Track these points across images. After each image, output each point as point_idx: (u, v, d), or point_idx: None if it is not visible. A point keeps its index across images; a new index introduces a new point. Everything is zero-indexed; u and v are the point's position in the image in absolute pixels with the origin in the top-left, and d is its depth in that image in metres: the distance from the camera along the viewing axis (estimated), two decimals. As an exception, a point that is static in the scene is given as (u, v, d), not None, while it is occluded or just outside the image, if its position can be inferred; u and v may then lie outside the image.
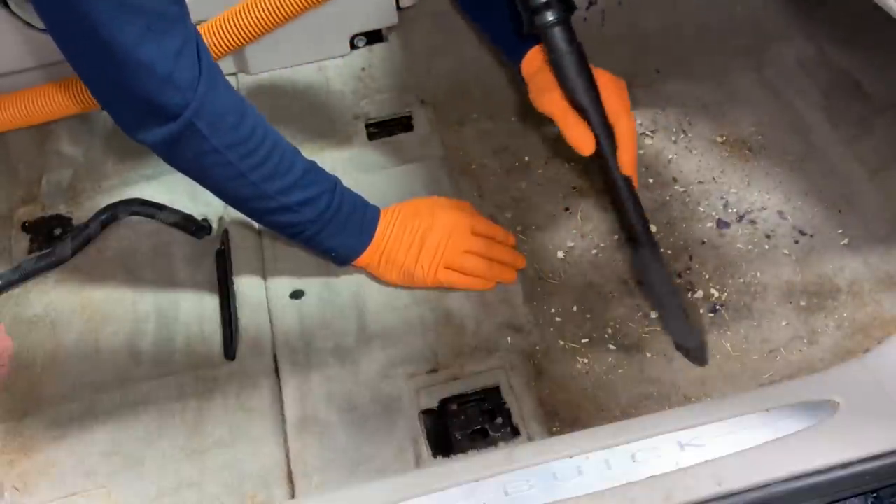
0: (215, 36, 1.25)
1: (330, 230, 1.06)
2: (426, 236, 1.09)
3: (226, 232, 1.23)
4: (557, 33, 1.04)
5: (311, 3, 1.23)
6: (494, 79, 1.43)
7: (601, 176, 1.12)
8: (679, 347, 1.10)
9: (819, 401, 0.87)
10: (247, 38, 1.26)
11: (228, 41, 1.25)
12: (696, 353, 1.09)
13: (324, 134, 1.35)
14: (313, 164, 1.05)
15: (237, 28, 1.24)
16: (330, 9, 1.35)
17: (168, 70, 0.86)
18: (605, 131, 1.07)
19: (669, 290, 1.11)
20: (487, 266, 1.12)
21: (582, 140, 1.07)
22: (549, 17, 1.03)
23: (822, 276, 1.16)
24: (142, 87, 0.87)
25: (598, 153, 1.07)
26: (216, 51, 1.25)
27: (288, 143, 1.02)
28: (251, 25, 1.24)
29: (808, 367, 1.07)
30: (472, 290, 1.13)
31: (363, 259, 1.10)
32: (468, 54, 1.44)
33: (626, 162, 1.07)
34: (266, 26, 1.25)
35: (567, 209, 1.27)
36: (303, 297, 1.17)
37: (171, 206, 1.26)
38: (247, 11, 1.23)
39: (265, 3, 1.23)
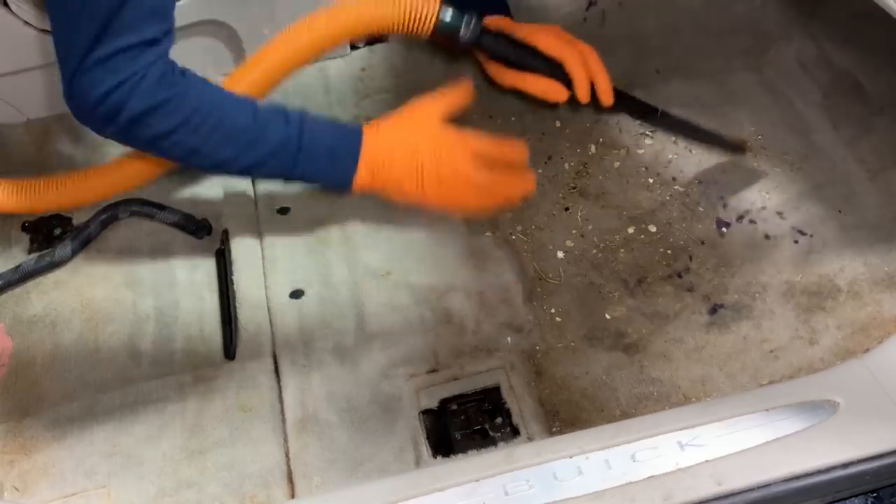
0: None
1: (308, 170, 1.02)
2: (423, 167, 1.03)
3: (226, 232, 1.23)
4: (464, 34, 1.09)
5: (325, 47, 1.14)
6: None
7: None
8: (725, 151, 1.29)
9: (819, 401, 0.87)
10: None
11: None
12: (734, 144, 1.29)
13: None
14: (265, 113, 1.01)
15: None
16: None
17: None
18: (561, 74, 1.10)
19: (684, 123, 1.27)
20: (493, 191, 1.07)
21: (549, 91, 1.10)
22: (451, 19, 1.08)
23: (822, 276, 1.16)
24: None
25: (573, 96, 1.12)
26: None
27: (233, 103, 1.00)
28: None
29: (808, 367, 1.07)
30: (479, 209, 1.08)
31: (361, 187, 1.05)
32: (468, 54, 1.44)
33: (582, 90, 1.10)
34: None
35: (567, 209, 1.27)
36: (302, 297, 1.17)
37: (171, 206, 1.26)
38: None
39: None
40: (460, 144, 1.04)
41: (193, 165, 1.02)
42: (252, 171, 1.02)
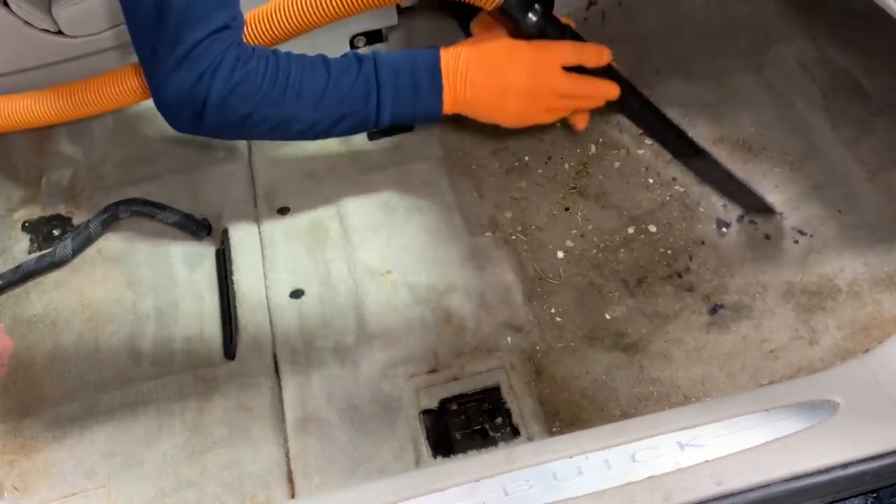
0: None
1: (395, 108, 1.02)
2: (509, 80, 1.03)
3: (226, 232, 1.23)
4: (530, 22, 1.04)
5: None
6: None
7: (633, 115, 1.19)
8: (748, 210, 1.23)
9: (819, 401, 0.87)
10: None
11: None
12: (764, 207, 1.22)
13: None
14: (338, 64, 1.00)
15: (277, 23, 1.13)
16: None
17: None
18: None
19: (720, 169, 1.22)
20: (577, 100, 1.08)
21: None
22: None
23: (822, 276, 1.16)
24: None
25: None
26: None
27: (305, 64, 0.99)
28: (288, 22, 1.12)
29: (808, 367, 1.07)
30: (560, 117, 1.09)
31: (448, 111, 1.04)
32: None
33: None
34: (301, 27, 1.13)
35: (567, 209, 1.27)
36: (302, 297, 1.17)
37: (171, 206, 1.26)
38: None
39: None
40: (544, 53, 1.04)
41: (290, 138, 1.03)
42: (343, 125, 1.02)
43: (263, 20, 1.08)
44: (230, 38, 0.94)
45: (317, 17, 1.08)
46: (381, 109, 1.01)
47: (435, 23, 1.45)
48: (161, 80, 0.93)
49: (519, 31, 1.05)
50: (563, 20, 1.09)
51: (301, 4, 1.07)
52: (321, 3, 1.06)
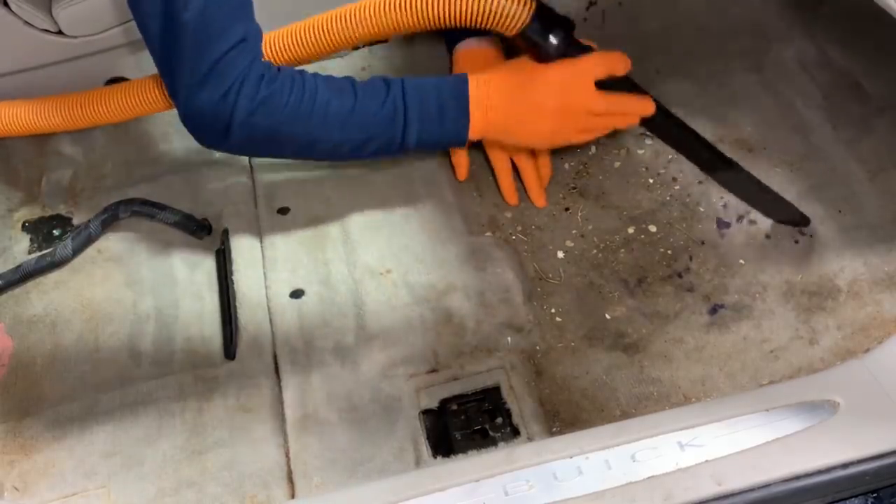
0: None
1: (421, 133, 1.02)
2: (542, 101, 1.03)
3: (226, 232, 1.23)
4: (551, 45, 1.05)
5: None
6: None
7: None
8: (781, 221, 1.20)
9: (819, 401, 0.87)
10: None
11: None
12: (797, 218, 1.19)
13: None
14: (366, 87, 1.00)
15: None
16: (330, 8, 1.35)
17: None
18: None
19: (751, 179, 1.21)
20: (612, 118, 1.08)
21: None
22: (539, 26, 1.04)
23: (822, 276, 1.16)
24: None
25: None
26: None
27: (332, 85, 0.99)
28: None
29: (808, 367, 1.07)
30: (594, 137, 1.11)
31: (475, 136, 1.05)
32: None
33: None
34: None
35: (567, 209, 1.27)
36: (302, 297, 1.17)
37: (171, 206, 1.26)
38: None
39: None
40: (574, 72, 1.03)
41: (315, 158, 1.04)
42: (368, 149, 1.02)
43: (285, 41, 1.07)
44: (251, 51, 0.94)
45: (346, 37, 1.05)
46: (407, 134, 1.02)
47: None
48: (186, 97, 0.93)
49: (540, 56, 1.05)
50: (585, 41, 1.08)
51: (328, 25, 1.05)
52: (354, 20, 1.03)
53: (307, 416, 1.06)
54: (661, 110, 1.14)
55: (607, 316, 1.15)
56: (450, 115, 1.03)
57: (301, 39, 1.06)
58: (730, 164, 1.22)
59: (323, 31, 1.05)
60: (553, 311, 1.16)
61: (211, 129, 0.96)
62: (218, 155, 1.35)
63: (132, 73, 1.40)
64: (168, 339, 1.15)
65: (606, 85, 1.08)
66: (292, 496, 1.00)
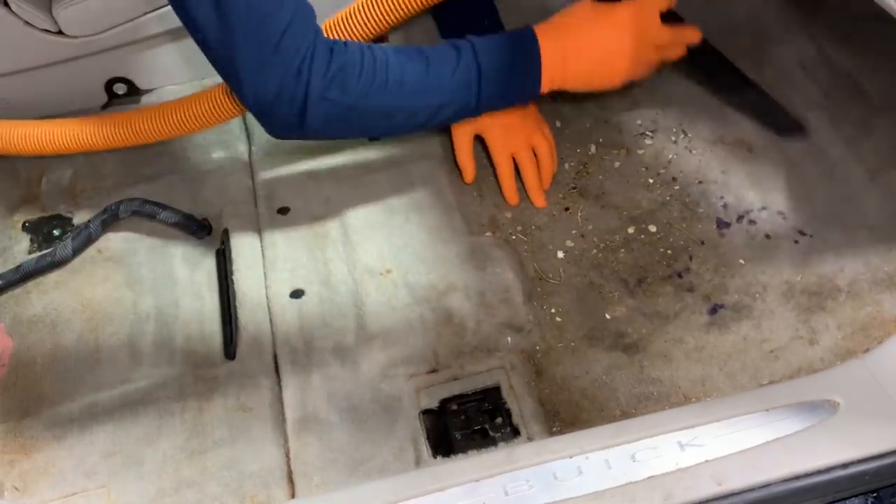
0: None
1: (495, 91, 1.01)
2: (614, 54, 1.02)
3: (226, 231, 1.23)
4: None
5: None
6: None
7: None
8: (780, 132, 1.27)
9: (819, 401, 0.87)
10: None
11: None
12: (794, 126, 1.25)
13: (324, 134, 1.35)
14: (434, 51, 0.98)
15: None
16: (330, 8, 1.35)
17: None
18: None
19: (756, 91, 1.27)
20: (670, 50, 1.10)
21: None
22: None
23: (822, 276, 1.16)
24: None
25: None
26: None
27: (401, 53, 0.97)
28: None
29: (808, 367, 1.07)
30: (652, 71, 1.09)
31: (549, 88, 1.04)
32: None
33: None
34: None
35: (567, 209, 1.27)
36: (302, 297, 1.17)
37: (171, 206, 1.26)
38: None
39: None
40: (641, 6, 1.03)
41: (394, 130, 1.04)
42: (444, 113, 1.01)
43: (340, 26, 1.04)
44: (310, 25, 0.90)
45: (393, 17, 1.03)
46: (483, 95, 1.00)
47: (434, 22, 1.45)
48: (254, 86, 0.89)
49: None
50: None
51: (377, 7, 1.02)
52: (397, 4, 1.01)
53: (307, 415, 1.06)
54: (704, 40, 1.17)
55: (607, 316, 1.15)
56: (522, 74, 1.01)
57: (355, 22, 1.03)
58: (751, 84, 1.29)
59: (372, 11, 1.02)
60: (553, 311, 1.16)
61: (286, 113, 0.92)
62: (218, 154, 1.35)
63: (132, 74, 1.41)
64: (168, 339, 1.15)
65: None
66: (292, 496, 1.00)
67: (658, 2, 1.07)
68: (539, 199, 1.24)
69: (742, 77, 1.28)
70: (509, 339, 1.11)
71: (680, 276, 1.18)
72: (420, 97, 0.98)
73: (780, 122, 1.30)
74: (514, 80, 1.02)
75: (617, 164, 1.31)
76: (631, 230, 1.23)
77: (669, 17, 1.11)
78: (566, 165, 1.32)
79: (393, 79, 0.95)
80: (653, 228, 1.23)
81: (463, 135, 1.23)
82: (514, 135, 1.22)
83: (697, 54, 1.21)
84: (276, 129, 0.96)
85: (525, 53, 1.01)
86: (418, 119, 1.01)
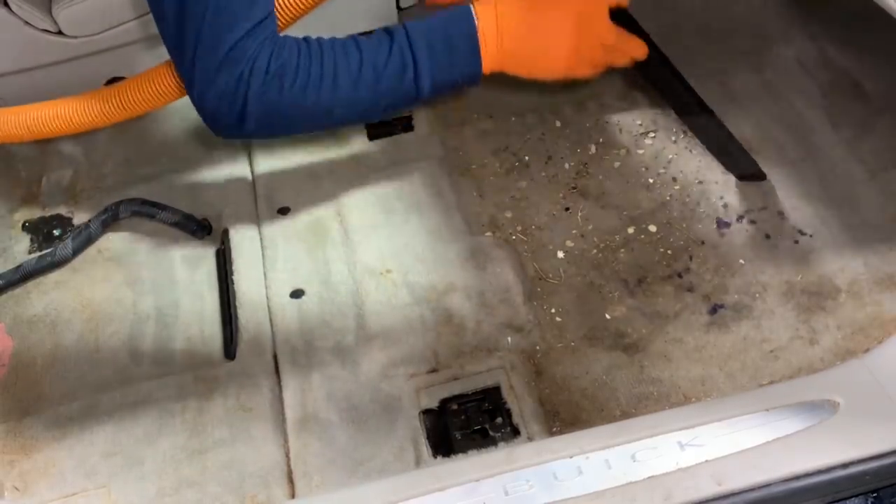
0: None
1: (434, 72, 0.97)
2: (554, 42, 0.99)
3: (226, 232, 1.23)
4: None
5: None
6: (493, 78, 1.43)
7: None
8: (741, 177, 1.25)
9: (819, 401, 0.87)
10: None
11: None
12: (755, 171, 1.24)
13: (325, 134, 1.35)
14: (368, 41, 0.97)
15: None
16: (330, 8, 1.35)
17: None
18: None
19: (721, 130, 1.26)
20: (618, 53, 1.04)
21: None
22: None
23: (822, 276, 1.16)
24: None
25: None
26: None
27: (336, 46, 0.97)
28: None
29: (808, 367, 1.07)
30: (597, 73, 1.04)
31: (491, 69, 1.00)
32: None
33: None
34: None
35: (567, 209, 1.27)
36: (302, 297, 1.17)
37: (171, 206, 1.26)
38: None
39: None
40: (596, 2, 1.00)
41: (336, 124, 1.00)
42: (384, 102, 0.99)
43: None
44: (265, 31, 0.91)
45: None
46: (420, 80, 0.97)
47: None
48: (202, 87, 0.91)
49: None
50: None
51: None
52: None
53: (307, 415, 1.06)
54: (655, 54, 1.14)
55: (607, 316, 1.15)
56: (460, 54, 0.99)
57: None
58: (709, 113, 1.27)
59: None
60: (553, 311, 1.16)
61: (228, 114, 0.93)
62: (218, 155, 1.35)
63: (131, 74, 1.40)
64: (168, 339, 1.15)
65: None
66: (292, 496, 1.00)
67: None
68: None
69: (699, 102, 1.25)
70: (509, 339, 1.11)
71: (680, 276, 1.18)
72: (355, 90, 0.97)
73: (740, 164, 1.27)
74: (452, 62, 0.99)
75: (617, 164, 1.31)
76: (631, 230, 1.23)
77: (622, 18, 1.06)
78: (566, 165, 1.32)
79: (327, 74, 0.95)
80: (653, 228, 1.23)
81: None
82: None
83: (649, 69, 1.19)
84: (218, 128, 0.97)
85: (462, 35, 0.98)
86: (358, 111, 1.00)
